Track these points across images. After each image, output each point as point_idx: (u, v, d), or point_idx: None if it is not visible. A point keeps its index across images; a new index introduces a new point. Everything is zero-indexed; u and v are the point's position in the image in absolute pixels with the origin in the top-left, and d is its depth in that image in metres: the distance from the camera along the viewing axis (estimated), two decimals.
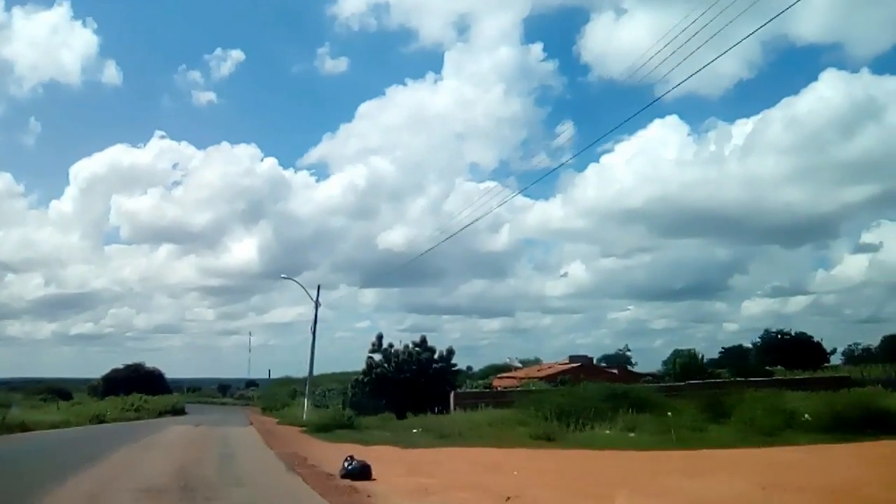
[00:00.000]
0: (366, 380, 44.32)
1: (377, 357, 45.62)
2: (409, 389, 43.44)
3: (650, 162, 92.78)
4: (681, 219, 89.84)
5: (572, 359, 62.45)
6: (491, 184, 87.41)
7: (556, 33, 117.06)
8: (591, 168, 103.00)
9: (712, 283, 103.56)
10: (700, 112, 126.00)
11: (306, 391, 35.73)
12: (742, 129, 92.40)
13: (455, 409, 41.19)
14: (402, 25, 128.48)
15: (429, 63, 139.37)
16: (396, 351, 45.48)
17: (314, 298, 36.21)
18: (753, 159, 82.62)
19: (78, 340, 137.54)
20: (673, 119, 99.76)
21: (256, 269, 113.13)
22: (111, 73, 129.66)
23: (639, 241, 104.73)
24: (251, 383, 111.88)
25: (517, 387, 50.74)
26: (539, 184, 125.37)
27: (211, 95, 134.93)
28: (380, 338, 46.04)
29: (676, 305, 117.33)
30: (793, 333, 77.98)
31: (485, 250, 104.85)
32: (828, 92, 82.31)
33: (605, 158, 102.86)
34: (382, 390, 43.65)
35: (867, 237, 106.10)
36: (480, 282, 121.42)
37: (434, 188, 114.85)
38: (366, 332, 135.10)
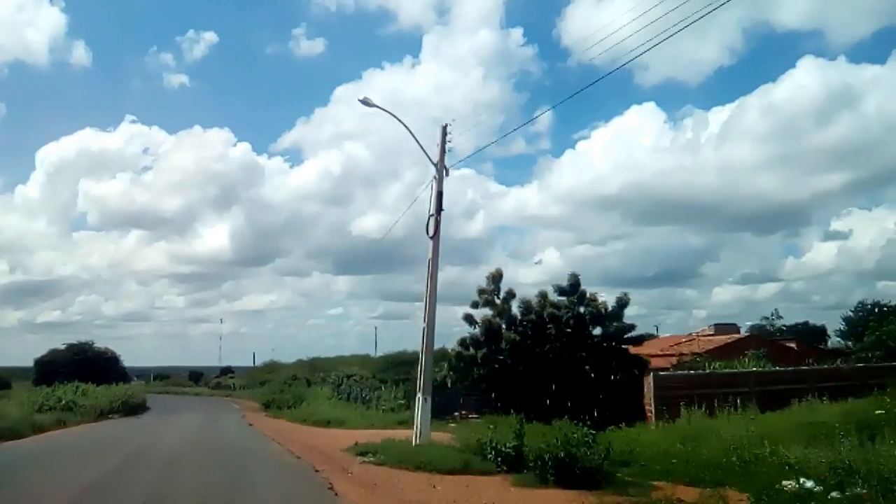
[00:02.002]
0: (481, 355, 23.93)
1: (484, 313, 25.23)
2: (562, 373, 23.37)
3: (626, 149, 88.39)
4: (655, 206, 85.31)
5: (718, 328, 43.29)
6: (466, 171, 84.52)
7: (536, 15, 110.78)
8: (568, 154, 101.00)
9: (684, 270, 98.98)
10: (678, 99, 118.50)
11: (420, 380, 14.66)
12: (718, 116, 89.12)
13: (659, 410, 21.89)
14: (380, 7, 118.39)
15: (407, 46, 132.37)
16: (526, 302, 25.10)
17: (432, 160, 15.56)
18: (729, 147, 79.10)
19: (45, 328, 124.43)
20: (650, 106, 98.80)
21: (228, 255, 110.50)
22: (80, 54, 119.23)
23: (613, 228, 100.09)
24: (227, 370, 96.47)
25: (674, 366, 31.40)
26: (515, 170, 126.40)
27: (183, 78, 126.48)
28: (496, 278, 25.58)
29: (648, 293, 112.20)
30: (891, 304, 61.58)
31: (459, 237, 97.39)
32: (805, 79, 79.42)
33: (581, 145, 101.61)
34: (512, 373, 23.46)
35: (837, 225, 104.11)
36: (454, 269, 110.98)
37: (409, 174, 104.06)
38: (339, 319, 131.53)
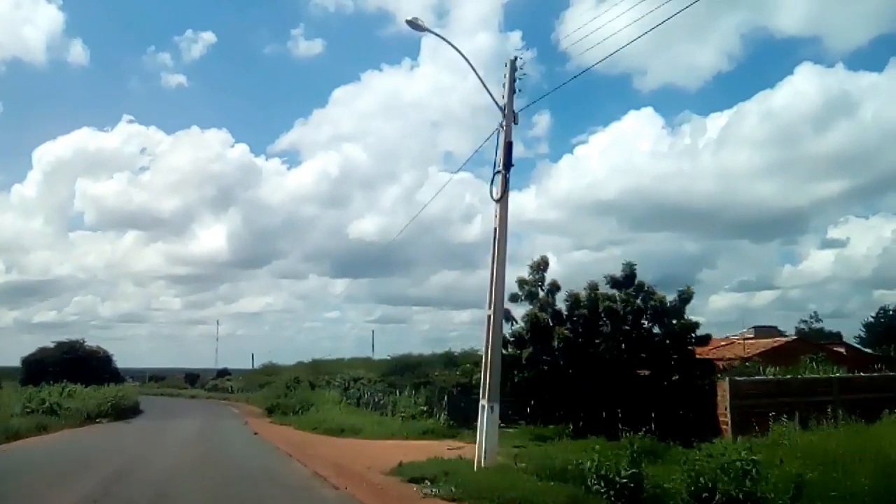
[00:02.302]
0: (526, 355, 20.68)
1: (525, 309, 22.08)
2: (618, 376, 20.17)
3: (624, 154, 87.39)
4: (653, 212, 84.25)
5: (758, 331, 40.06)
6: (465, 174, 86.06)
7: (535, 19, 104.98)
8: (566, 159, 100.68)
9: (681, 276, 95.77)
10: (676, 104, 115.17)
11: (485, 381, 11.30)
12: (717, 122, 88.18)
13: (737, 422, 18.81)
14: (379, 8, 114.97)
15: (406, 48, 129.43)
16: (574, 295, 21.90)
17: (498, 103, 12.40)
18: (727, 153, 78.18)
19: (41, 329, 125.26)
20: (648, 111, 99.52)
21: (225, 257, 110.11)
22: (77, 53, 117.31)
23: (610, 233, 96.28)
24: (224, 372, 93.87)
25: (722, 371, 28.09)
26: (513, 175, 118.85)
27: (181, 78, 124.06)
28: (541, 267, 22.41)
29: None
30: None
31: (456, 241, 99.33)
32: (803, 86, 77.83)
33: (579, 150, 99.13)
34: (562, 376, 20.24)
35: (834, 233, 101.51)
36: (451, 273, 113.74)
37: (407, 177, 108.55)
38: (336, 323, 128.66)
